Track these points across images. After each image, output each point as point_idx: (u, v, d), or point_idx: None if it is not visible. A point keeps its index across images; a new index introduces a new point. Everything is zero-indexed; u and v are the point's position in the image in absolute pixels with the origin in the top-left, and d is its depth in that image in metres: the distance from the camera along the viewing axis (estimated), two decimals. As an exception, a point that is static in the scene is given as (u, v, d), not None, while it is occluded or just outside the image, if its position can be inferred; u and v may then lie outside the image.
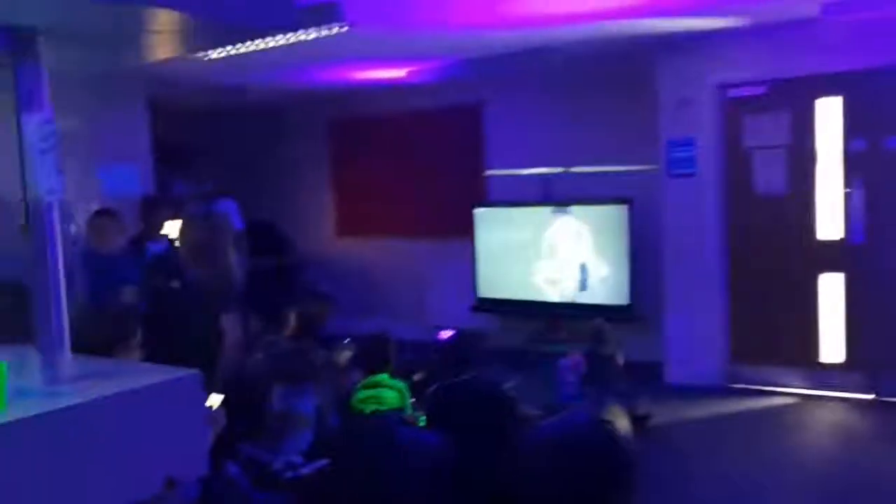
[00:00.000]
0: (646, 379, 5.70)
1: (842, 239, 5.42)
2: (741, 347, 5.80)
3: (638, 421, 4.58)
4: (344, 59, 5.80)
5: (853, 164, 5.35)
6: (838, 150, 5.40)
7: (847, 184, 5.37)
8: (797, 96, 5.50)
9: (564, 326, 6.50)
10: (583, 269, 6.39)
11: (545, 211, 6.60)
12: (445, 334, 6.54)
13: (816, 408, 5.35)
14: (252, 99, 7.44)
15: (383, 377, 3.59)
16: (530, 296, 6.71)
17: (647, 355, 5.89)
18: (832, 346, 5.51)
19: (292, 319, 4.18)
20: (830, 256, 5.46)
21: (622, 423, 3.88)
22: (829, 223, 5.46)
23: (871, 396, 5.32)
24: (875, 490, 4.06)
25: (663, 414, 5.12)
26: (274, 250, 8.18)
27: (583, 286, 6.39)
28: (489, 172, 7.23)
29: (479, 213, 6.93)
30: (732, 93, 5.69)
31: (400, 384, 3.65)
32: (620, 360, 5.06)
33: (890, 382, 5.26)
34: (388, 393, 3.49)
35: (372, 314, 7.64)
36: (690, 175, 5.76)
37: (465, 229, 6.96)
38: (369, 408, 3.47)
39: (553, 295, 6.60)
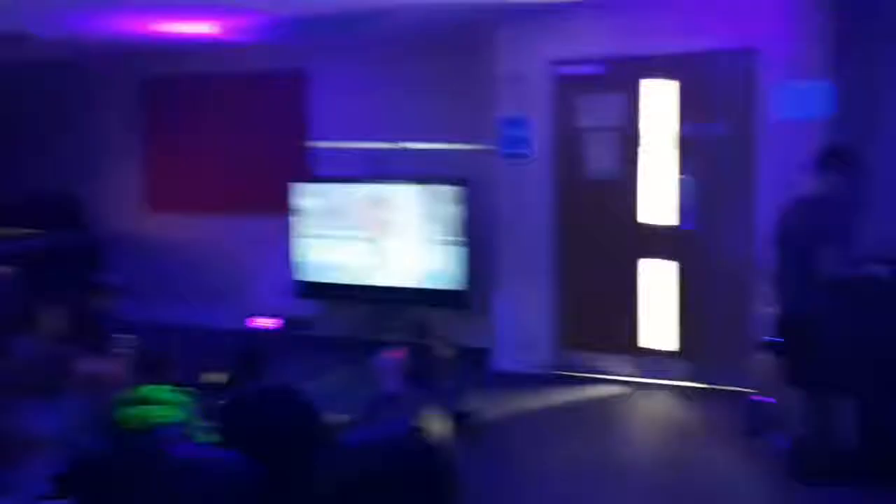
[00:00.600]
0: (477, 367, 5.54)
1: (673, 225, 5.34)
2: (571, 334, 5.65)
3: (461, 420, 4.26)
4: (134, 4, 5.04)
5: (686, 149, 5.26)
6: (671, 135, 5.30)
7: (680, 169, 5.28)
8: (631, 77, 5.35)
9: (394, 314, 6.11)
10: (421, 237, 5.97)
11: (373, 188, 6.15)
12: (262, 322, 5.96)
13: (645, 397, 5.29)
14: (41, 50, 6.44)
15: (159, 389, 3.00)
16: (358, 280, 6.25)
17: (480, 342, 5.73)
18: (663, 333, 5.45)
19: (49, 318, 3.47)
20: (662, 243, 5.38)
21: (441, 428, 3.50)
22: (662, 209, 5.37)
23: (700, 385, 5.29)
24: (694, 483, 3.99)
25: (490, 407, 4.88)
26: (68, 224, 7.24)
27: (423, 257, 5.98)
28: (313, 144, 6.67)
29: (301, 188, 6.36)
30: (567, 70, 5.46)
31: (181, 396, 3.09)
32: (447, 352, 4.73)
33: (718, 371, 5.24)
34: (161, 409, 2.91)
35: (186, 299, 6.94)
36: (523, 156, 5.51)
37: (289, 206, 6.40)
38: (141, 426, 2.88)
39: (382, 279, 6.18)
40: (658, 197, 5.36)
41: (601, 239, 5.53)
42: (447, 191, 5.83)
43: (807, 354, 3.93)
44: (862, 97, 4.79)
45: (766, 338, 4.29)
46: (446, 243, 5.87)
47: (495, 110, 5.58)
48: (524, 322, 5.64)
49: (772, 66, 4.89)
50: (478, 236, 5.76)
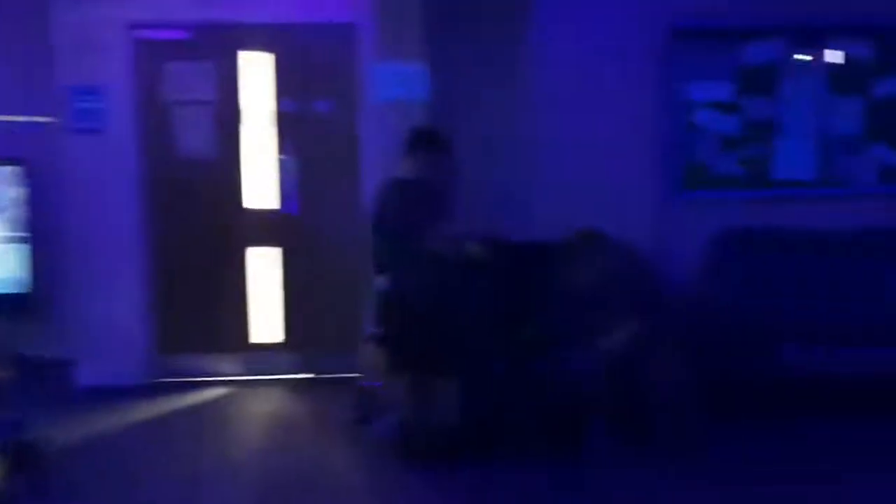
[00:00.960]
0: (56, 384, 4.81)
1: (275, 209, 5.08)
2: (168, 336, 5.10)
3: (28, 451, 3.49)
4: None
5: (286, 128, 5.02)
6: (270, 112, 5.03)
7: (280, 149, 5.03)
8: (224, 47, 4.96)
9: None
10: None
11: None
12: None
13: (252, 395, 4.97)
14: None
15: None
16: None
17: (59, 354, 4.90)
18: (268, 326, 5.18)
19: None
20: (264, 229, 5.09)
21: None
22: (263, 192, 5.07)
23: (310, 375, 5.16)
24: (303, 473, 3.80)
25: (70, 431, 4.15)
26: None
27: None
28: None
29: None
30: (148, 35, 4.88)
31: None
32: (4, 372, 3.90)
33: (325, 360, 5.12)
34: None
35: None
36: (98, 131, 4.82)
37: None
38: None
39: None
40: (260, 179, 5.05)
41: (201, 226, 5.05)
42: (2, 173, 4.84)
43: (406, 336, 3.92)
44: (455, 79, 4.94)
45: (371, 322, 4.24)
46: (5, 238, 4.89)
47: (62, 77, 4.79)
48: (111, 327, 4.93)
49: (371, 43, 4.83)
50: (45, 227, 4.89)
